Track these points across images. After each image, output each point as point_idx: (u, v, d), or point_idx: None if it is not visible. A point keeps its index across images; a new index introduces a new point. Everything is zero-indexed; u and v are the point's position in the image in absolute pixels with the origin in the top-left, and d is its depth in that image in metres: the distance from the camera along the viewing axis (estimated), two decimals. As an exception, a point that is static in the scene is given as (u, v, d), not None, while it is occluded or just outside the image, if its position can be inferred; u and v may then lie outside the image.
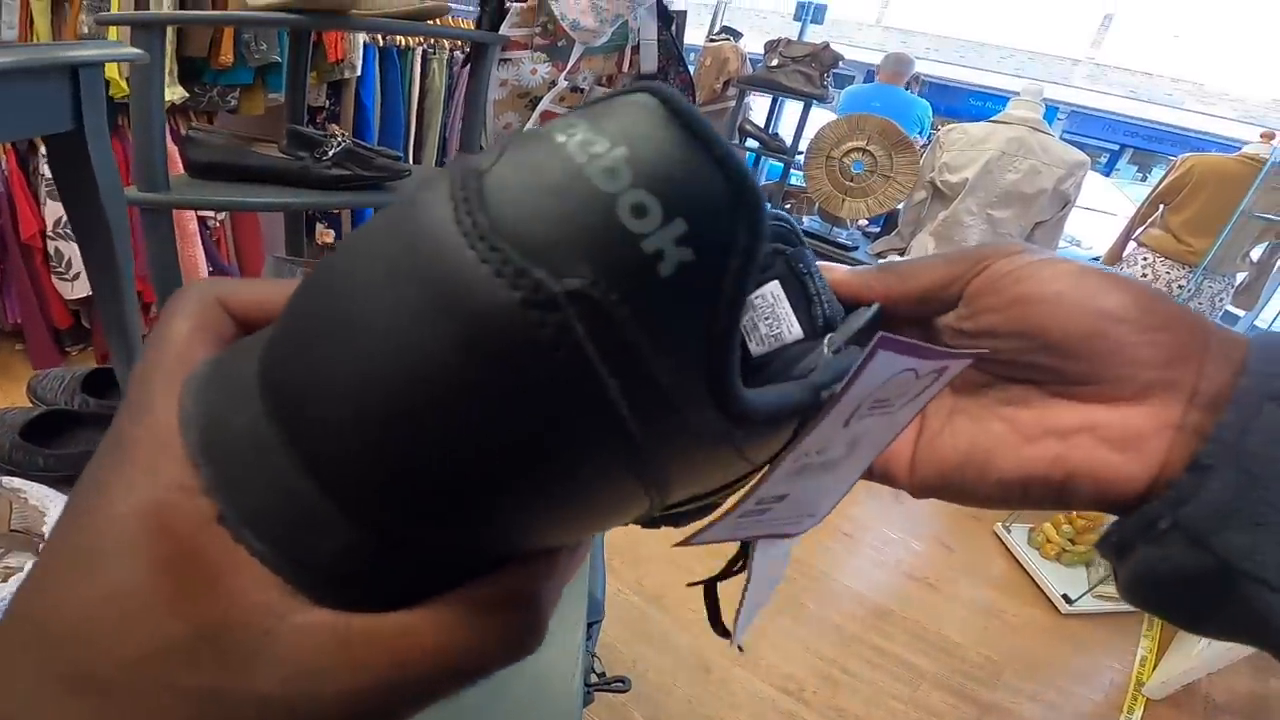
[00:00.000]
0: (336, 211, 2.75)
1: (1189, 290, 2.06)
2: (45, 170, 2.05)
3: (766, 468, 0.18)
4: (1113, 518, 0.20)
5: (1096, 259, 4.44)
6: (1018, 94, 2.19)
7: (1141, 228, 2.32)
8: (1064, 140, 2.13)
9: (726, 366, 0.12)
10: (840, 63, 2.48)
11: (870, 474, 0.23)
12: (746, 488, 0.18)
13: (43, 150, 2.04)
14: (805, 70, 2.45)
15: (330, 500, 0.12)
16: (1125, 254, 2.32)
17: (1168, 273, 2.16)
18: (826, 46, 2.47)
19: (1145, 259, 2.21)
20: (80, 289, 2.14)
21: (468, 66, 1.10)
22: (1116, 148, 8.46)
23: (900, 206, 2.39)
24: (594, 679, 0.94)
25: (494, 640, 0.14)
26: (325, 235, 2.80)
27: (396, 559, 0.13)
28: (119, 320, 0.50)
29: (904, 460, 0.23)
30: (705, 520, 0.21)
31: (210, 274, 2.38)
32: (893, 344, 0.16)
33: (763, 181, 3.24)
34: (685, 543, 0.20)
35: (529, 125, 1.16)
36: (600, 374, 0.10)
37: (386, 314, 0.11)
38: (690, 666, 1.55)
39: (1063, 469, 0.20)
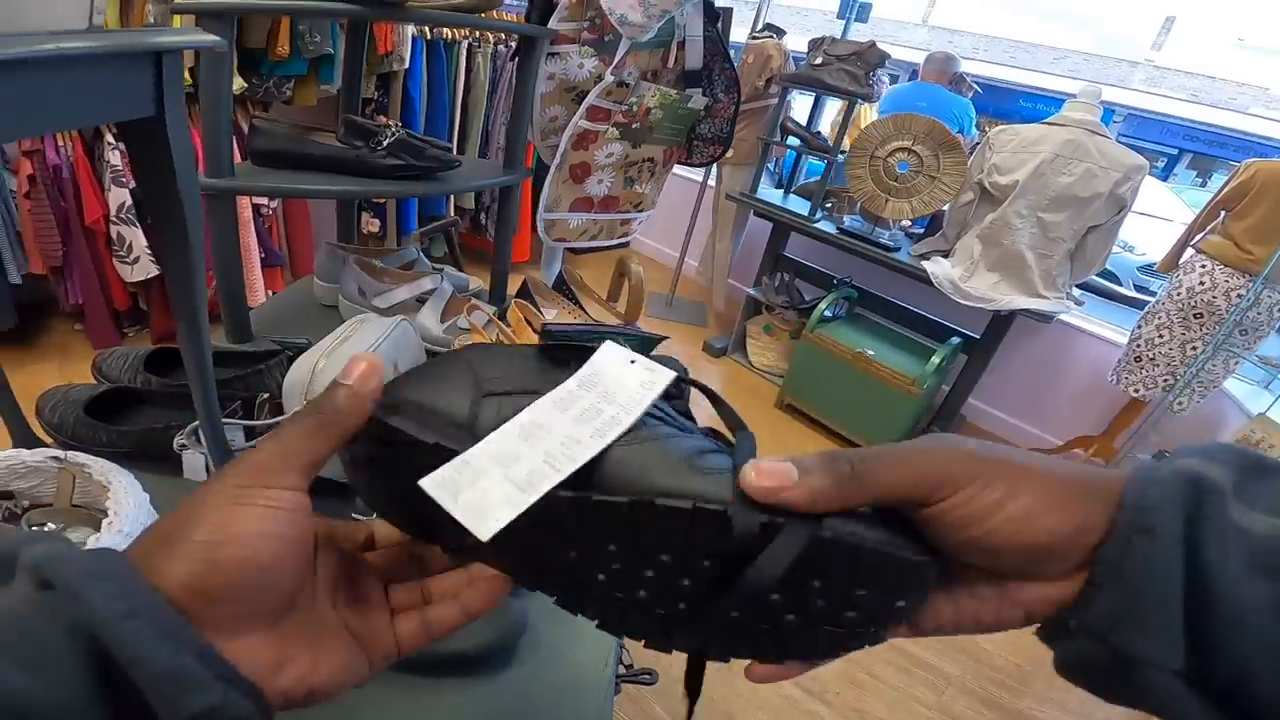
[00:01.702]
0: (381, 201, 2.80)
1: (1248, 300, 1.97)
2: (109, 156, 2.13)
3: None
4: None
5: (1150, 265, 4.29)
6: (1073, 96, 2.13)
7: (1201, 234, 2.23)
8: (1120, 143, 2.06)
9: None
10: (886, 62, 2.44)
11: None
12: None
13: (108, 137, 2.13)
14: (850, 69, 2.41)
15: None
16: (1183, 260, 2.23)
17: (1226, 281, 2.08)
18: (872, 45, 2.43)
19: (1204, 266, 2.12)
20: (139, 272, 2.22)
21: (516, 60, 1.11)
22: (1175, 152, 8.15)
23: (946, 208, 2.34)
24: (621, 670, 0.95)
25: None
26: (370, 224, 2.85)
27: None
28: (189, 301, 0.52)
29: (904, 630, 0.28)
30: None
31: (262, 259, 2.45)
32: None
33: (803, 180, 3.20)
34: None
35: (575, 119, 1.17)
36: None
37: None
38: (714, 664, 1.55)
39: (1021, 616, 0.26)
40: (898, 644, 1.68)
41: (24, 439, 0.72)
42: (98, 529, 0.66)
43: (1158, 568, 0.21)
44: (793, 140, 2.74)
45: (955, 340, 2.39)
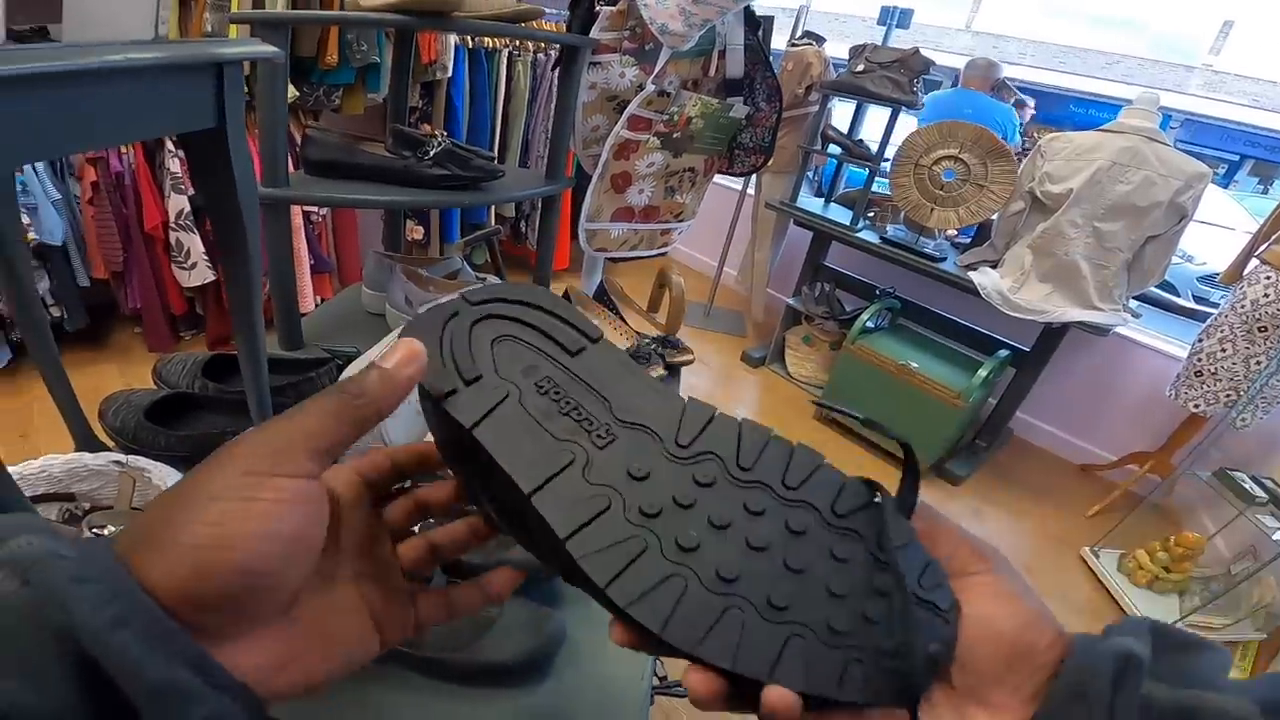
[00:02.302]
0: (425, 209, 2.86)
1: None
2: (169, 164, 2.22)
3: None
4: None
5: (1210, 275, 4.10)
6: (1128, 102, 2.05)
7: (1266, 244, 2.12)
8: (1179, 150, 1.98)
9: None
10: (931, 69, 2.40)
11: None
12: None
13: (168, 145, 2.21)
14: (894, 76, 2.38)
15: None
16: (1247, 271, 2.13)
17: (1292, 294, 1.97)
18: (916, 51, 2.38)
19: (1269, 277, 2.02)
20: (196, 278, 2.30)
21: (556, 69, 1.11)
22: (1236, 158, 7.82)
23: (994, 217, 2.28)
24: (655, 682, 0.94)
25: None
26: (414, 231, 2.91)
27: None
28: (247, 308, 0.53)
29: None
30: None
31: (311, 265, 2.51)
32: None
33: (844, 189, 3.15)
34: None
35: (617, 129, 1.17)
36: None
37: None
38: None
39: None
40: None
41: (86, 441, 0.75)
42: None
43: None
44: (834, 148, 2.71)
45: (1003, 353, 2.31)
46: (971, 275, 2.26)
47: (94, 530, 0.62)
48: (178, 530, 0.20)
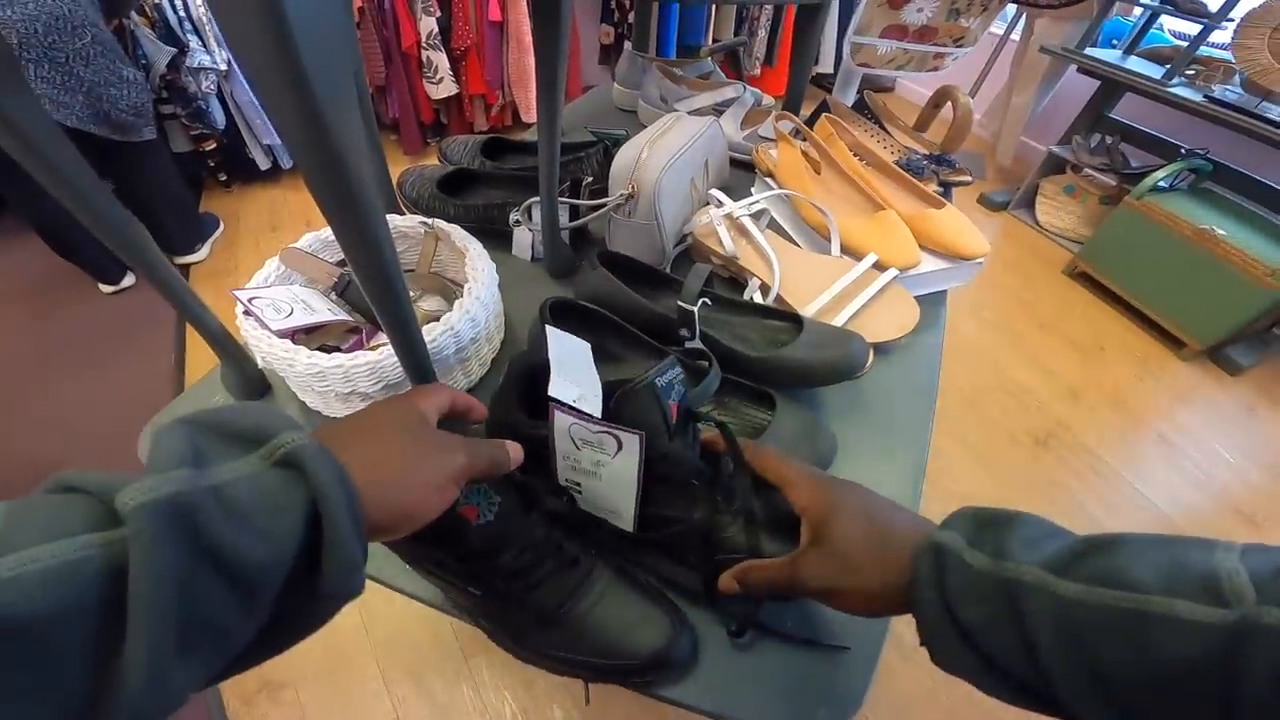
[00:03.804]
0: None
1: None
2: (420, -16, 2.31)
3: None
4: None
5: None
6: None
7: None
8: None
9: None
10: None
11: None
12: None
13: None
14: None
15: None
16: None
17: None
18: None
19: None
20: (443, 91, 2.47)
21: None
22: None
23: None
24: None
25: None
26: (605, 36, 3.04)
27: None
28: (553, 73, 0.54)
29: None
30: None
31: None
32: (559, 406, 0.42)
33: (1146, 45, 2.55)
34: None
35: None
36: None
37: None
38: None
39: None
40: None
41: (392, 208, 0.83)
42: (445, 297, 0.72)
43: (932, 616, 0.33)
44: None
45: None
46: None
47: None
48: (396, 496, 0.32)
